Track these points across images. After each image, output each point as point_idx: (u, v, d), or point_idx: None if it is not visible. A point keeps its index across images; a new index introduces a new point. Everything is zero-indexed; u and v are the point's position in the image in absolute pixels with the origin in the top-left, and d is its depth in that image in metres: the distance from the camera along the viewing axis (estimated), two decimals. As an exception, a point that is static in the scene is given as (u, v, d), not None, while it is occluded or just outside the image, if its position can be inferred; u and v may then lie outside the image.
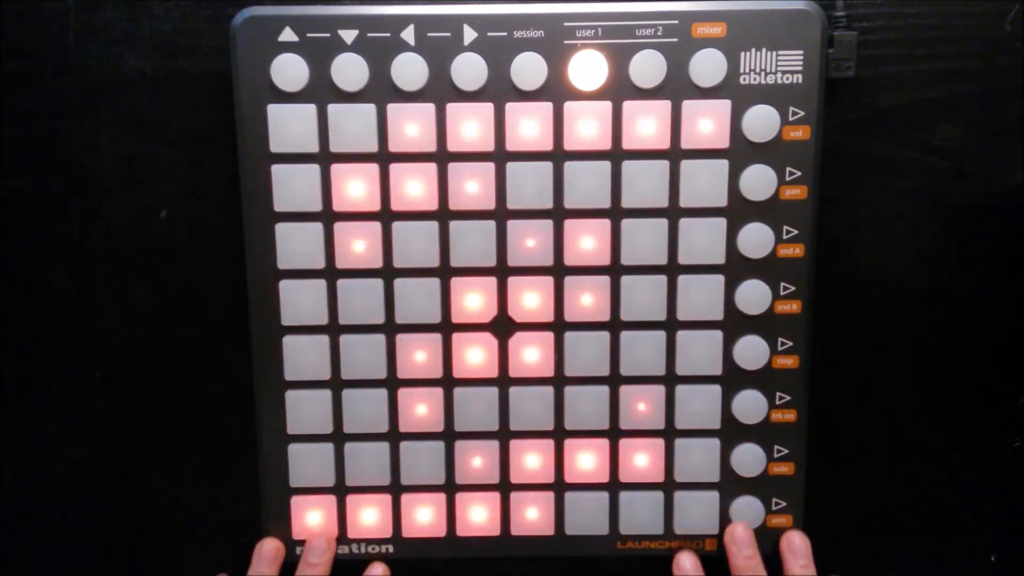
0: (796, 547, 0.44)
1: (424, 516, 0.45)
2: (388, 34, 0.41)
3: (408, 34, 0.41)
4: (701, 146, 0.42)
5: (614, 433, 0.44)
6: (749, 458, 0.44)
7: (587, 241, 0.42)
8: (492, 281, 0.43)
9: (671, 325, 0.43)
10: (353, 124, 0.41)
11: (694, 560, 0.44)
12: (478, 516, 0.45)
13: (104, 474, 0.46)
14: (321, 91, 0.41)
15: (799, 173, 0.42)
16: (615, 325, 0.43)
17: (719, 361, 0.43)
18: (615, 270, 0.42)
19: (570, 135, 0.41)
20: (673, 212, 0.42)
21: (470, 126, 0.41)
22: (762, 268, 0.42)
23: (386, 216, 0.42)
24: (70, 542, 0.47)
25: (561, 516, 0.45)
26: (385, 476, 0.44)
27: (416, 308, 0.43)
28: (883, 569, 0.48)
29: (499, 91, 0.41)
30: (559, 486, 0.45)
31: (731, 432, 0.44)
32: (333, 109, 0.41)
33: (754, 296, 0.43)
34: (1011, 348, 0.45)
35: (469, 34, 0.41)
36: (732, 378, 0.43)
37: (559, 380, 0.44)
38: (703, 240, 0.42)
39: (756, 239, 0.42)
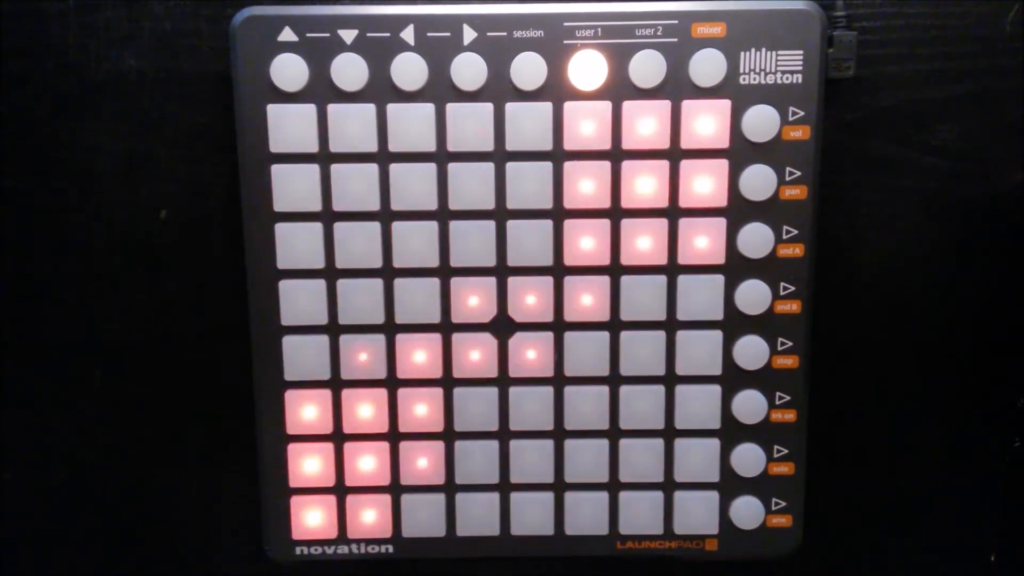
0: None
1: (424, 516, 0.45)
2: (388, 34, 0.41)
3: (408, 34, 0.41)
4: (701, 146, 0.42)
5: (614, 433, 0.44)
6: (749, 458, 0.44)
7: (587, 241, 0.42)
8: (492, 281, 0.43)
9: (671, 325, 0.43)
10: (353, 124, 0.41)
11: None
12: (478, 516, 0.45)
13: (104, 474, 0.46)
14: (321, 91, 0.41)
15: (799, 173, 0.42)
16: (615, 325, 0.43)
17: (719, 361, 0.43)
18: (615, 270, 0.42)
19: (570, 135, 0.41)
20: (673, 212, 0.42)
21: (470, 126, 0.41)
22: (762, 268, 0.42)
23: (386, 216, 0.42)
24: (70, 542, 0.47)
25: (561, 516, 0.45)
26: (385, 476, 0.44)
27: (416, 308, 0.43)
28: (883, 569, 0.48)
29: (499, 91, 0.41)
30: (559, 486, 0.45)
31: (731, 432, 0.44)
32: (333, 109, 0.41)
33: (754, 296, 0.43)
34: (1011, 348, 0.45)
35: (469, 34, 0.41)
36: (732, 378, 0.43)
37: (559, 380, 0.44)
38: (703, 240, 0.42)
39: (756, 239, 0.42)
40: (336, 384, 0.44)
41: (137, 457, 0.46)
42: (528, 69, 0.41)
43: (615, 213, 0.42)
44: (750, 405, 0.43)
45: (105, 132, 0.43)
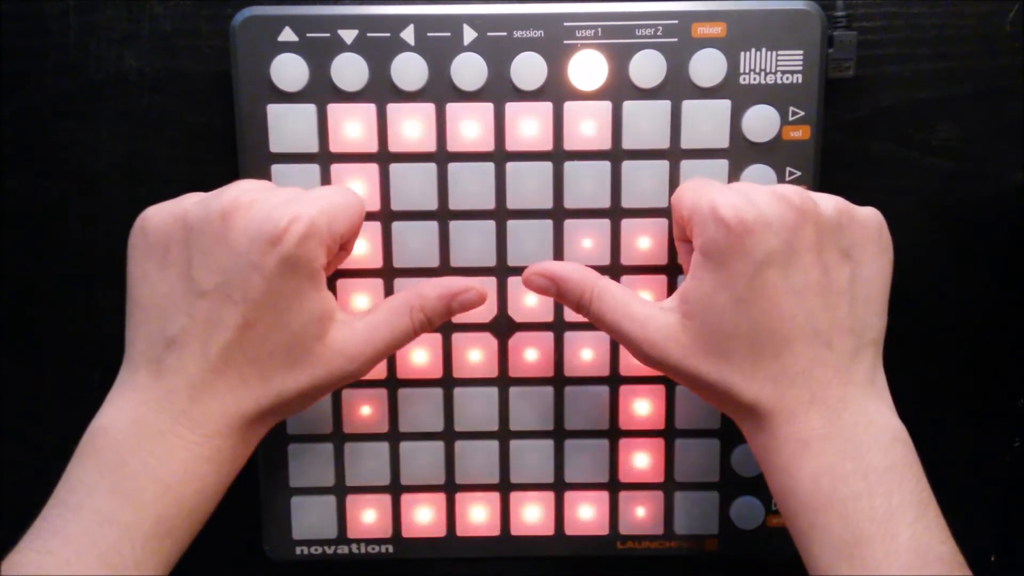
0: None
1: (424, 516, 0.45)
2: (388, 34, 0.41)
3: (408, 34, 0.41)
4: (701, 146, 0.41)
5: (614, 433, 0.44)
6: (749, 458, 0.44)
7: (587, 241, 0.42)
8: (492, 281, 0.43)
9: (671, 325, 0.43)
10: (353, 124, 0.41)
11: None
12: (478, 516, 0.45)
13: (104, 474, 0.46)
14: (321, 91, 0.41)
15: (799, 173, 0.42)
16: (615, 325, 0.43)
17: (719, 361, 0.43)
18: (615, 270, 0.42)
19: (570, 135, 0.41)
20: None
21: (470, 126, 0.41)
22: (762, 268, 0.42)
23: (386, 216, 0.42)
24: (70, 542, 0.47)
25: (561, 516, 0.45)
26: (385, 476, 0.44)
27: (416, 308, 0.43)
28: (883, 569, 0.48)
29: (499, 91, 0.41)
30: (559, 486, 0.45)
31: (731, 432, 0.44)
32: (333, 109, 0.41)
33: (754, 296, 0.42)
34: (1011, 348, 0.45)
35: (469, 34, 0.41)
36: (732, 378, 0.43)
37: (559, 380, 0.44)
38: (703, 240, 0.42)
39: (756, 239, 0.42)
40: (336, 384, 0.43)
41: (137, 457, 0.46)
42: (528, 69, 0.41)
43: (615, 213, 0.42)
44: (750, 405, 0.43)
45: (105, 132, 0.43)
